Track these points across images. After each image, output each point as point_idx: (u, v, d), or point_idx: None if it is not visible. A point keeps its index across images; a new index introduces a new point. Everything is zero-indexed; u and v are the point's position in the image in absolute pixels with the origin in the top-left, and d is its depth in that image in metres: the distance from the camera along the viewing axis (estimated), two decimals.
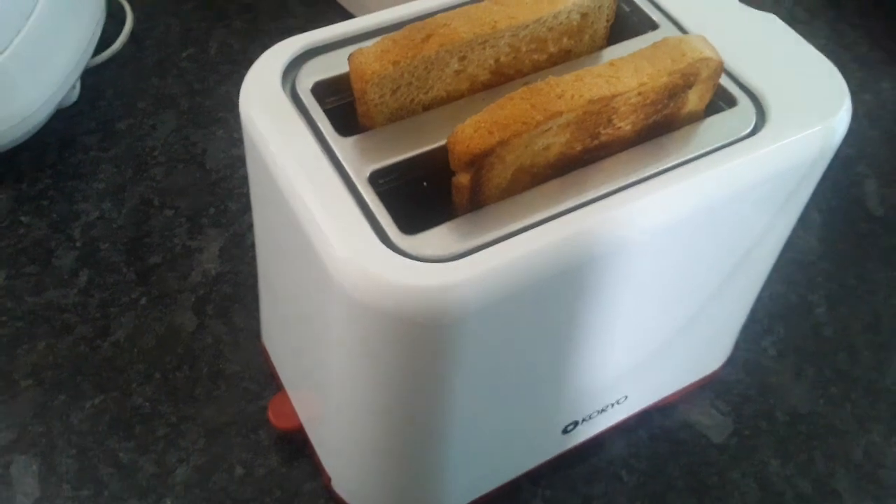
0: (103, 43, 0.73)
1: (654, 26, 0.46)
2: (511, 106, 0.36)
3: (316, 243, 0.37)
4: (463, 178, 0.37)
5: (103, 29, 0.73)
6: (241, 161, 0.70)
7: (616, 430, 0.56)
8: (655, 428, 0.57)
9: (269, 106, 0.41)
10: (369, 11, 0.44)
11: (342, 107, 0.43)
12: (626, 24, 0.47)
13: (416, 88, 0.40)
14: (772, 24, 0.47)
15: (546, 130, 0.37)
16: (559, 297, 0.40)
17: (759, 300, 0.56)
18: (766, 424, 0.58)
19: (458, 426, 0.44)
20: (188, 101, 0.74)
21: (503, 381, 0.43)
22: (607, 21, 0.44)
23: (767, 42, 0.46)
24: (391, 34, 0.39)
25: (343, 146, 0.40)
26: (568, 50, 0.44)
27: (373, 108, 0.40)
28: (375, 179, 0.39)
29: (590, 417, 0.52)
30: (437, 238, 0.37)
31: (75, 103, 0.72)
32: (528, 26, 0.41)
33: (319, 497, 0.53)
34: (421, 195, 0.41)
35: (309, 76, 0.42)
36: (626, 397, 0.53)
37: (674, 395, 0.58)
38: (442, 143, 0.39)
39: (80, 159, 0.69)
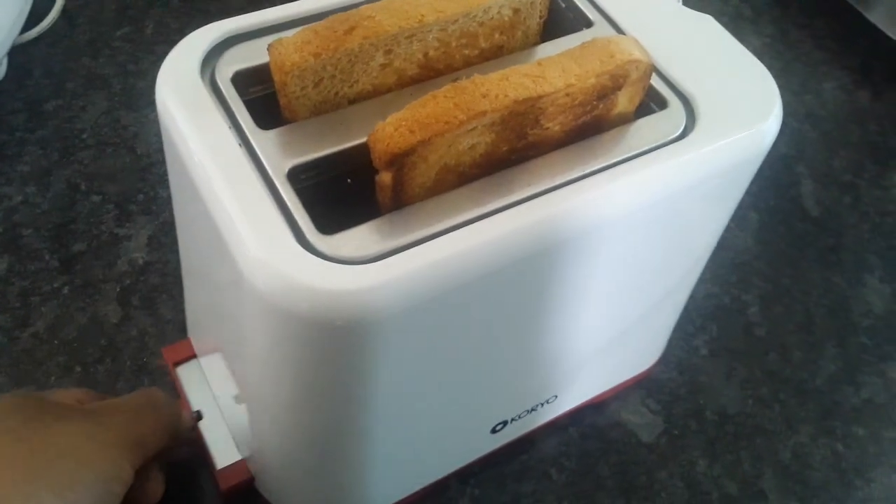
0: (32, 19, 0.70)
1: (588, 24, 0.45)
2: (434, 104, 0.35)
3: (229, 241, 0.36)
4: (385, 177, 0.36)
5: (33, 4, 0.70)
6: None
7: (547, 427, 0.56)
8: (587, 426, 0.57)
9: (185, 95, 0.39)
10: None
11: (266, 97, 0.41)
12: (562, 21, 0.46)
13: (340, 81, 0.39)
14: (708, 26, 0.46)
15: (470, 130, 0.36)
16: (484, 300, 0.39)
17: (693, 300, 0.56)
18: (695, 424, 0.59)
19: (379, 427, 0.43)
20: (121, 83, 0.71)
21: (426, 382, 0.42)
22: (540, 17, 0.43)
23: (702, 44, 0.45)
24: (313, 25, 0.38)
25: (262, 140, 0.38)
26: (500, 45, 0.43)
27: (294, 100, 0.39)
28: (296, 175, 0.38)
29: (519, 417, 0.52)
30: (355, 238, 0.36)
31: (1, 82, 0.69)
32: (456, 21, 0.39)
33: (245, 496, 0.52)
34: (345, 192, 0.40)
35: (230, 65, 0.41)
36: (556, 397, 0.53)
37: (606, 392, 0.57)
38: (366, 139, 0.38)
39: (5, 140, 0.66)
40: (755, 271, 0.67)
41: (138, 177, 0.65)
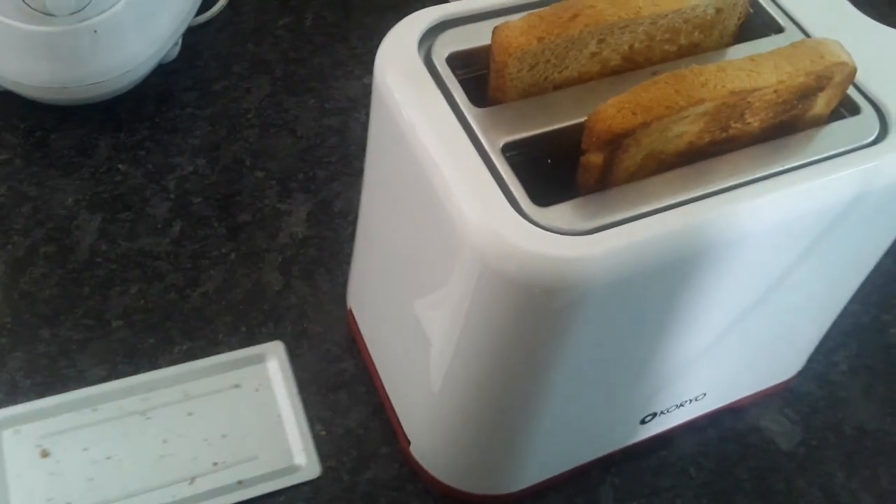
0: (203, 5, 0.75)
1: (779, 29, 0.47)
2: (655, 89, 0.37)
3: (449, 207, 0.38)
4: (595, 158, 0.38)
5: None
6: (331, 131, 0.71)
7: (687, 427, 0.57)
8: (726, 429, 0.58)
9: (405, 71, 0.42)
10: None
11: (470, 80, 0.44)
12: (751, 25, 0.47)
13: (553, 67, 0.41)
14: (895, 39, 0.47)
15: (685, 117, 0.38)
16: (670, 284, 0.41)
17: None
18: (833, 437, 0.59)
19: (551, 402, 0.44)
20: (282, 69, 0.75)
21: (602, 361, 0.44)
22: (738, 19, 0.45)
23: (891, 55, 0.46)
24: (538, 10, 0.40)
25: (477, 116, 0.41)
26: (697, 44, 0.44)
27: (508, 81, 0.41)
28: (506, 151, 0.40)
29: (668, 410, 0.53)
30: (566, 212, 0.38)
31: (174, 60, 0.73)
32: (667, 15, 0.41)
33: (395, 461, 0.54)
34: (542, 171, 0.42)
35: (444, 46, 0.43)
36: (706, 394, 0.54)
37: (746, 398, 0.58)
38: (573, 121, 0.40)
39: (177, 115, 0.70)
40: (895, 293, 0.67)
41: (298, 157, 0.69)
